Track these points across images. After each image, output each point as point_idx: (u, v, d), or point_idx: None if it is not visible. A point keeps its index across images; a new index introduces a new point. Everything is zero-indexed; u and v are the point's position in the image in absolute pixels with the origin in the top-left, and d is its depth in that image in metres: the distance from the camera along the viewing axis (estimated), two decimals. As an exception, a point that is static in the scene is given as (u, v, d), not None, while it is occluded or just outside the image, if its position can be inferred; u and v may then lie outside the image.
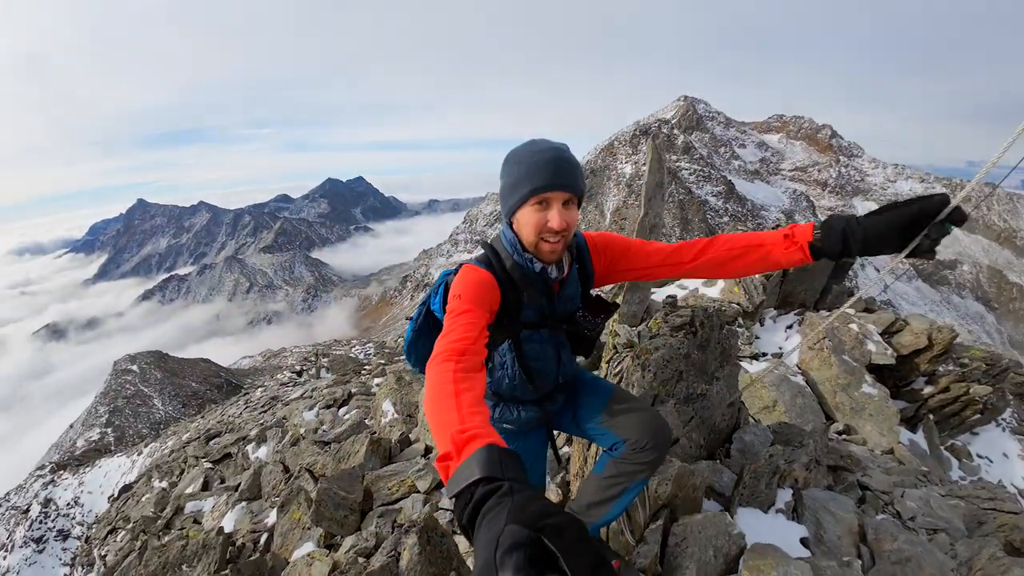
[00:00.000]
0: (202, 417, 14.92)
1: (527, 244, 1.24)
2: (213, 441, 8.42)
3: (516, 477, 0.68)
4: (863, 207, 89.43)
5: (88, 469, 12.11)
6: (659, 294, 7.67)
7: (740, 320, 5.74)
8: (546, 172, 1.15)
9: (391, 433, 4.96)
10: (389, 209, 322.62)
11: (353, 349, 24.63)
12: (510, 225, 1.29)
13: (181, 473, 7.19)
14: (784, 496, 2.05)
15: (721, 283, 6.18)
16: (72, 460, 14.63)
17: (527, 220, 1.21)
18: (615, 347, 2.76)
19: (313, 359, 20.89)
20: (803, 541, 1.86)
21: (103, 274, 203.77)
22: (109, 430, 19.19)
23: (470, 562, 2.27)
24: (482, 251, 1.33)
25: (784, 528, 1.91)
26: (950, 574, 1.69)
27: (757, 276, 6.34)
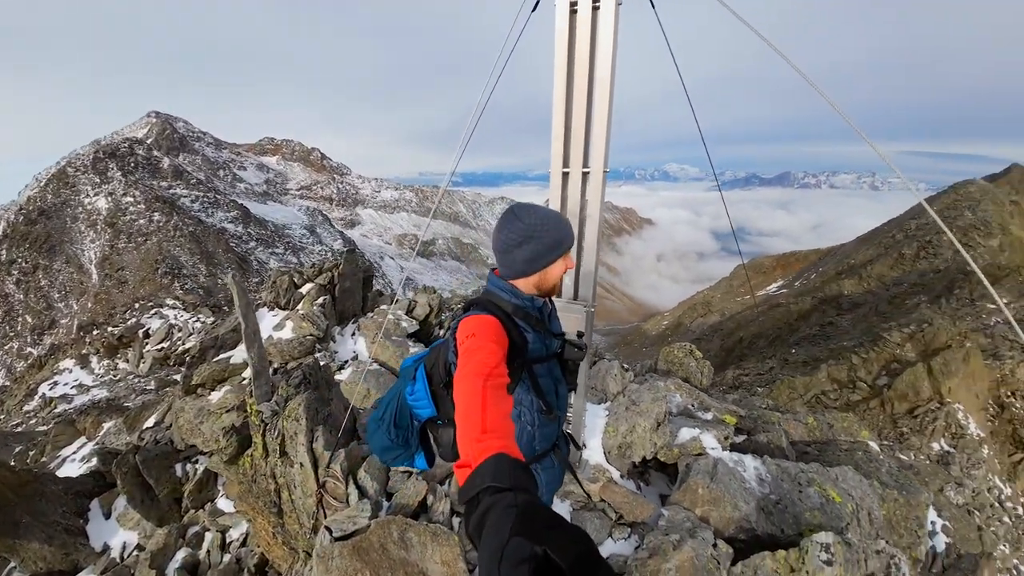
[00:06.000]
0: None
1: (553, 288, 1.47)
2: None
3: (523, 487, 0.69)
4: (365, 214, 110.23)
5: None
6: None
7: (318, 345, 6.72)
8: (570, 233, 1.47)
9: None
10: None
11: None
12: (507, 279, 1.46)
13: None
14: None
15: (290, 324, 6.96)
16: None
17: (558, 269, 1.45)
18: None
19: None
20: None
21: None
22: None
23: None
24: (475, 309, 1.37)
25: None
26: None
27: (316, 305, 6.56)
